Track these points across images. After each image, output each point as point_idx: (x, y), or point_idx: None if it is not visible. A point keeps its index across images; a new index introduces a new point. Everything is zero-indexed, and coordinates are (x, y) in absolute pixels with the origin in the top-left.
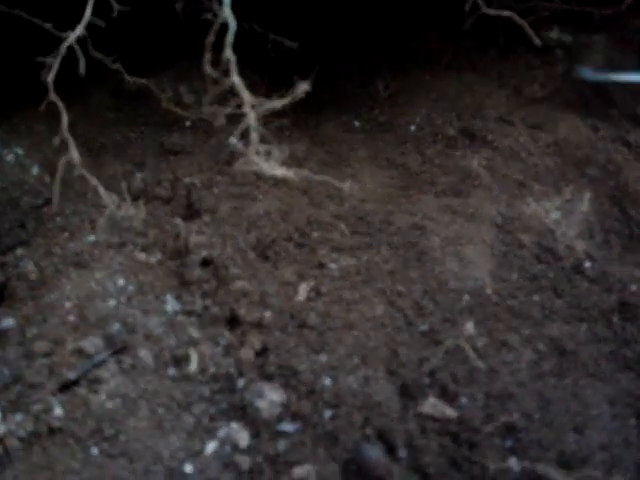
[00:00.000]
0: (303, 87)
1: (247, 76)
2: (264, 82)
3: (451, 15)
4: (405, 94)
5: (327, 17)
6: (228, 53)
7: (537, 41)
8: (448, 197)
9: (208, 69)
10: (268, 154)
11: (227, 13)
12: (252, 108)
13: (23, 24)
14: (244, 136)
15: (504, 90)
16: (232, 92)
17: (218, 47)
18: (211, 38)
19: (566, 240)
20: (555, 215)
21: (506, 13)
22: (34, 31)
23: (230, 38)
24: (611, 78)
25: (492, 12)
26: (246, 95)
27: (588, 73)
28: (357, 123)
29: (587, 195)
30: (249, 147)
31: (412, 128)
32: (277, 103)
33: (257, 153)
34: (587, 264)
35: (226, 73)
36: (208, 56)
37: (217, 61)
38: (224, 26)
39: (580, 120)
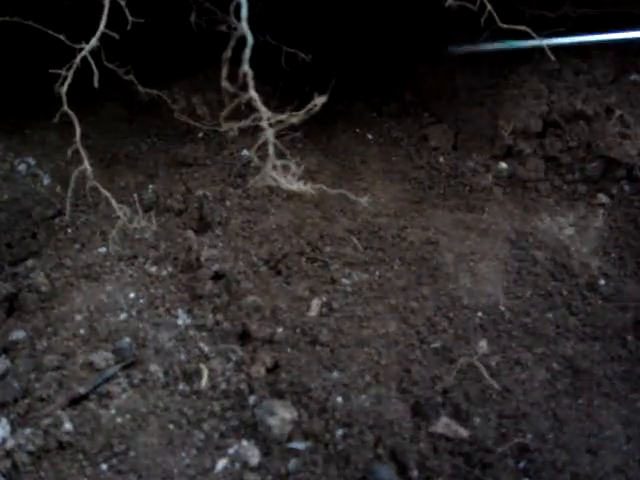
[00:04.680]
0: (319, 100)
1: (260, 87)
2: (277, 93)
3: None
4: (417, 107)
5: (339, 30)
6: (245, 68)
7: (552, 56)
8: (461, 212)
9: (225, 84)
10: (285, 169)
11: (245, 28)
12: (270, 124)
13: (37, 35)
14: (258, 148)
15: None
16: (247, 105)
17: (234, 60)
18: (228, 53)
19: (580, 257)
20: (569, 231)
21: (520, 27)
22: (47, 42)
23: (247, 53)
24: (479, 48)
25: (506, 26)
26: (264, 110)
27: (455, 47)
28: (370, 136)
29: (601, 211)
30: (266, 162)
31: (425, 141)
32: (294, 118)
33: (274, 168)
34: (602, 281)
35: (243, 87)
36: (225, 71)
37: (233, 74)
38: (240, 40)
39: None
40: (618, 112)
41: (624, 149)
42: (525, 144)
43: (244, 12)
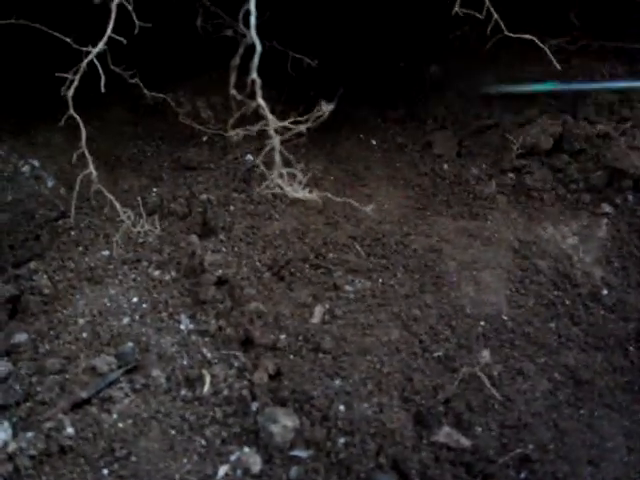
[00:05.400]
0: (327, 108)
1: (265, 92)
2: (282, 98)
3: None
4: (422, 113)
5: (345, 36)
6: (254, 76)
7: (558, 66)
8: (465, 219)
9: (233, 92)
10: (291, 176)
11: (253, 36)
12: (277, 132)
13: (44, 38)
14: (262, 153)
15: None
16: (253, 110)
17: (239, 66)
18: (237, 60)
19: (583, 266)
20: (572, 240)
21: (527, 36)
22: (54, 45)
23: (256, 61)
24: (515, 89)
25: (513, 35)
26: (271, 118)
27: (492, 88)
28: (374, 142)
29: (605, 220)
30: (273, 170)
31: (429, 148)
32: (301, 126)
33: (280, 176)
34: (604, 291)
35: (250, 94)
36: (233, 79)
37: (240, 80)
38: (248, 47)
39: None
40: (627, 124)
41: (630, 160)
42: (533, 159)
43: (253, 20)
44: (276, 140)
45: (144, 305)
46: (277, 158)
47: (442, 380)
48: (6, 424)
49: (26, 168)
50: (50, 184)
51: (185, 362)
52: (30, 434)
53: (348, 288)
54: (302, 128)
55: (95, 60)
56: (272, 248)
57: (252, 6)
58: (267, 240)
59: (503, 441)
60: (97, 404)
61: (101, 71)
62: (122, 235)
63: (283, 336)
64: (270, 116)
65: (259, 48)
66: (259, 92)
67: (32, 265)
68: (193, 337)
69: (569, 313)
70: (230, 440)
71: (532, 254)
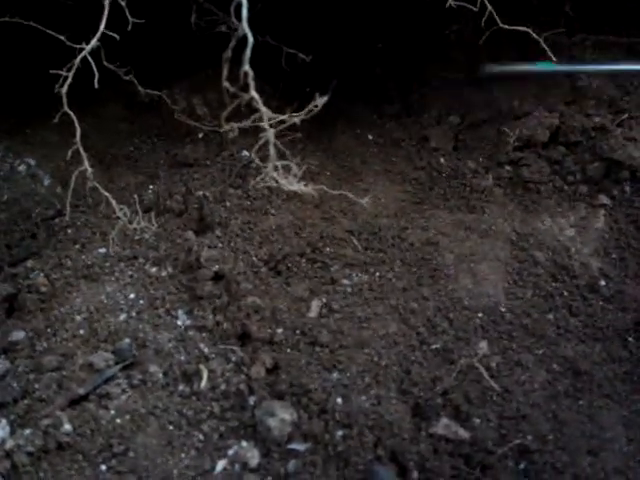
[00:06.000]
0: (320, 101)
1: (260, 87)
2: (277, 93)
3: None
4: (418, 107)
5: (340, 31)
6: (246, 68)
7: (553, 57)
8: (462, 212)
9: (226, 84)
10: (286, 169)
11: (245, 28)
12: (270, 124)
13: (38, 35)
14: (258, 149)
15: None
16: (248, 106)
17: (234, 60)
18: (229, 53)
19: (581, 258)
20: (570, 232)
21: (522, 28)
22: (48, 42)
23: (248, 53)
24: (513, 69)
25: (508, 27)
26: (265, 110)
27: (490, 67)
28: (370, 136)
29: (602, 212)
30: (267, 163)
31: (426, 142)
32: (295, 118)
33: (275, 169)
34: (602, 282)
35: (243, 88)
36: (226, 71)
37: (234, 75)
38: (241, 40)
39: None
40: (623, 115)
41: (627, 151)
42: (529, 152)
43: (244, 12)
44: (270, 132)
45: (141, 301)
46: (271, 151)
47: (440, 372)
48: (4, 421)
49: (22, 167)
50: (46, 182)
51: (182, 357)
52: (28, 431)
53: (345, 282)
54: (296, 120)
55: (89, 57)
56: (269, 243)
57: None
58: (264, 235)
59: (502, 432)
60: (94, 400)
61: (95, 68)
62: (118, 232)
63: (280, 330)
64: (263, 108)
65: (251, 40)
66: (252, 84)
67: (29, 263)
68: (190, 332)
69: (567, 304)
70: (228, 434)
71: (530, 246)
